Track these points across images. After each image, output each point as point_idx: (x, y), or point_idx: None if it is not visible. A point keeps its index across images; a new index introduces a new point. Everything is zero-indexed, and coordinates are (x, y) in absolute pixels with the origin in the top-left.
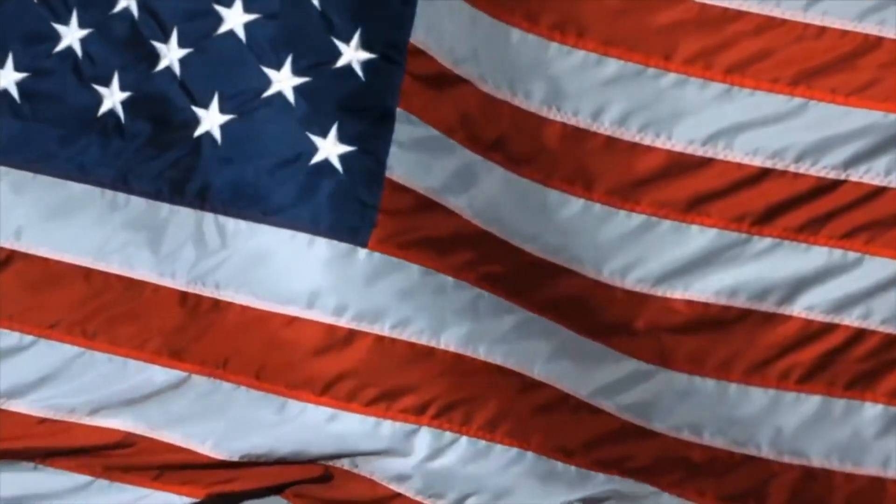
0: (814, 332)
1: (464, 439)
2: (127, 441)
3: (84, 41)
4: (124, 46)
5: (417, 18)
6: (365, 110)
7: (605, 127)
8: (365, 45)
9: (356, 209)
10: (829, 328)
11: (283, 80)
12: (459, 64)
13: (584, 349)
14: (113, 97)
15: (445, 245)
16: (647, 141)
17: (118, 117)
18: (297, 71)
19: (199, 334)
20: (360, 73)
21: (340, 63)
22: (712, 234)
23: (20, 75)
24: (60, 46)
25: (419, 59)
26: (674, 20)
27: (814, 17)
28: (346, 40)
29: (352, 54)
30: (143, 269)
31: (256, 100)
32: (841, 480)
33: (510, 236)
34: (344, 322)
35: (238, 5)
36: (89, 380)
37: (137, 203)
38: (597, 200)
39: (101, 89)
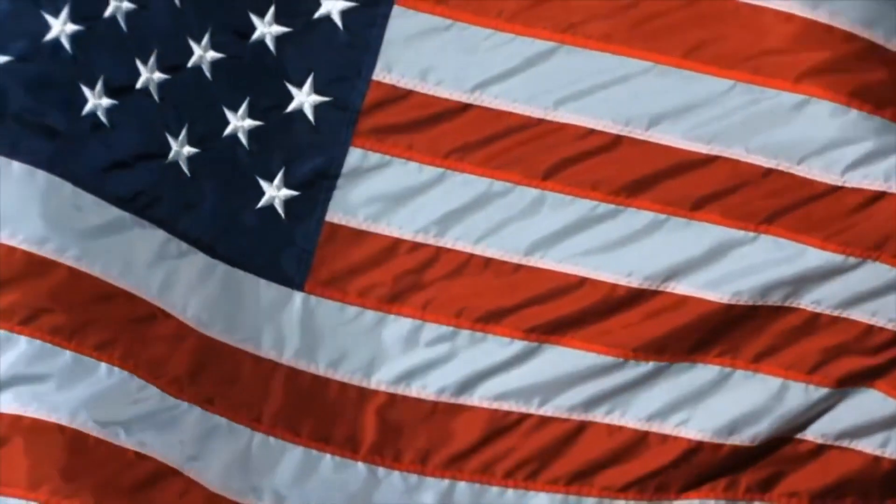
0: (822, 324)
1: (396, 474)
2: None
3: (74, 37)
4: (109, 53)
5: (383, 54)
6: (313, 153)
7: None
8: (318, 88)
9: (294, 253)
10: (837, 321)
11: (239, 122)
12: (440, 84)
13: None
14: (96, 100)
15: (381, 277)
16: (654, 139)
17: (101, 122)
18: (252, 114)
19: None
20: (310, 116)
21: (292, 107)
22: (717, 231)
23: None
24: (49, 36)
25: (381, 93)
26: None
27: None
28: (299, 85)
29: (304, 98)
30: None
31: (216, 139)
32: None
33: (468, 243)
34: (284, 360)
35: (206, 41)
36: None
37: (108, 210)
38: (601, 200)
39: (85, 89)
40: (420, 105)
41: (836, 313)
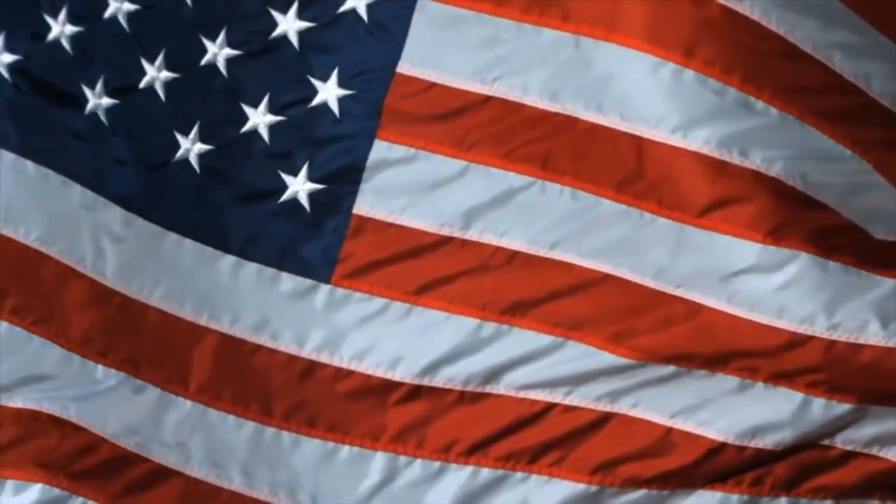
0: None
1: (418, 462)
2: None
3: (73, 38)
4: (110, 54)
5: (408, 47)
6: (338, 147)
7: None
8: (342, 82)
9: (320, 246)
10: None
11: (259, 118)
12: (462, 76)
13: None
14: (97, 100)
15: (409, 269)
16: (657, 138)
17: (101, 121)
18: (272, 109)
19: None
20: (335, 110)
21: (316, 101)
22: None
23: (12, 57)
24: (50, 37)
25: (406, 85)
26: None
27: None
28: (324, 78)
29: (328, 92)
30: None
31: (234, 135)
32: None
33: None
34: (305, 353)
35: (222, 40)
36: None
37: (114, 210)
38: (614, 199)
39: (86, 89)
40: (443, 97)
41: (851, 339)
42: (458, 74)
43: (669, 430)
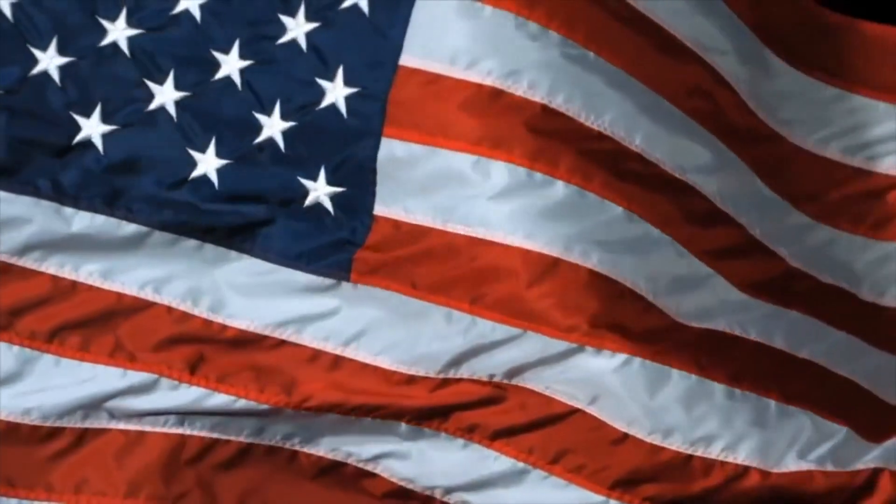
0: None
1: (443, 435)
2: None
3: (63, 68)
4: (108, 80)
5: (409, 39)
6: (350, 147)
7: None
8: (348, 80)
9: (345, 247)
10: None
11: (273, 126)
12: (471, 67)
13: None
14: (91, 128)
15: (428, 269)
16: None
17: (95, 148)
18: (284, 116)
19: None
20: (343, 109)
21: (325, 103)
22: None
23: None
24: (36, 70)
25: (408, 78)
26: None
27: None
28: (331, 78)
29: (335, 92)
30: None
31: (250, 146)
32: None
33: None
34: (330, 348)
35: (235, 52)
36: None
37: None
38: (625, 207)
39: (77, 117)
40: (450, 90)
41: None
42: (465, 66)
43: (689, 457)
